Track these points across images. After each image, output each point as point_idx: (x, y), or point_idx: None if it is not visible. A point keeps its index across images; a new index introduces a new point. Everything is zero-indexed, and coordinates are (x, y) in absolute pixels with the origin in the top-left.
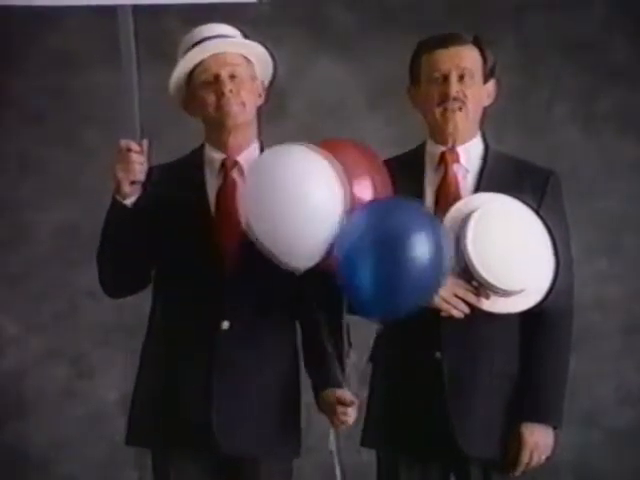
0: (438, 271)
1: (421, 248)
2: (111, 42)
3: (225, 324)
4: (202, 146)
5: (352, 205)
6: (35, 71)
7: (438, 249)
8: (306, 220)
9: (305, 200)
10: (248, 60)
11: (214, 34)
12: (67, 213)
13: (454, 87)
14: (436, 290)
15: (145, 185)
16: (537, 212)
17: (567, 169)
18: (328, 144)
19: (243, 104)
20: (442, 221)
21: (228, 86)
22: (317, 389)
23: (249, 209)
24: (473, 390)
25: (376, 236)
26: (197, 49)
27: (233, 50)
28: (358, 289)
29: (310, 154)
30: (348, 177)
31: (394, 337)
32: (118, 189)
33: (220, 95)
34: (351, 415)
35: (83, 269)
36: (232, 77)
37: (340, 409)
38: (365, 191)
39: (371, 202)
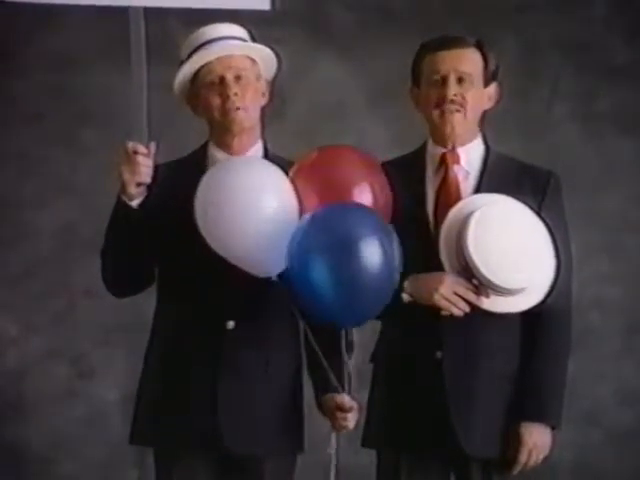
0: (389, 274)
1: (371, 250)
2: (112, 41)
3: (230, 324)
4: (205, 145)
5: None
6: (35, 71)
7: (387, 252)
8: (258, 230)
9: (256, 210)
10: (253, 60)
11: (220, 35)
12: (67, 213)
13: (452, 90)
14: (390, 292)
15: (151, 186)
16: (538, 213)
17: (567, 169)
18: (326, 150)
19: (247, 109)
20: (444, 221)
21: (233, 89)
22: (318, 393)
23: (203, 226)
24: (474, 390)
25: (324, 241)
26: (203, 51)
27: (239, 52)
28: (312, 301)
29: (261, 165)
30: (347, 183)
31: (395, 337)
32: (124, 190)
33: (225, 98)
34: (351, 420)
35: (83, 269)
36: (237, 79)
37: (340, 415)
38: (364, 197)
39: (317, 209)
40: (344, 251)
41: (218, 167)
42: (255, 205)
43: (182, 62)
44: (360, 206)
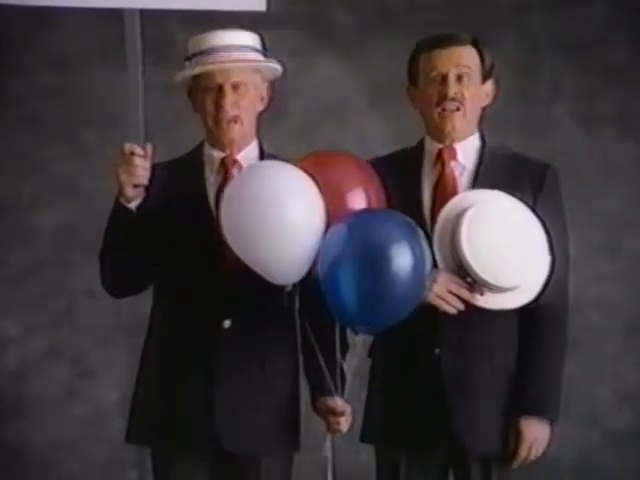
0: (419, 283)
1: (402, 261)
2: (111, 43)
3: (226, 323)
4: (202, 144)
5: (333, 220)
6: (35, 71)
7: (419, 261)
8: (285, 238)
9: (283, 218)
10: (256, 69)
11: (226, 44)
12: (67, 213)
13: (452, 88)
14: (417, 302)
15: (148, 188)
16: (533, 209)
17: (567, 169)
18: (322, 156)
19: (241, 120)
20: (438, 218)
21: (230, 99)
22: (313, 395)
23: (228, 228)
24: (472, 385)
25: (357, 250)
26: (205, 60)
27: (241, 66)
28: (340, 304)
29: (288, 170)
30: (342, 189)
31: (393, 333)
32: (121, 192)
33: (219, 108)
34: (343, 424)
35: (83, 269)
36: (235, 88)
37: (332, 419)
38: (359, 204)
39: (351, 215)
40: (373, 261)
41: (246, 172)
42: (281, 215)
43: (186, 59)
44: (392, 215)
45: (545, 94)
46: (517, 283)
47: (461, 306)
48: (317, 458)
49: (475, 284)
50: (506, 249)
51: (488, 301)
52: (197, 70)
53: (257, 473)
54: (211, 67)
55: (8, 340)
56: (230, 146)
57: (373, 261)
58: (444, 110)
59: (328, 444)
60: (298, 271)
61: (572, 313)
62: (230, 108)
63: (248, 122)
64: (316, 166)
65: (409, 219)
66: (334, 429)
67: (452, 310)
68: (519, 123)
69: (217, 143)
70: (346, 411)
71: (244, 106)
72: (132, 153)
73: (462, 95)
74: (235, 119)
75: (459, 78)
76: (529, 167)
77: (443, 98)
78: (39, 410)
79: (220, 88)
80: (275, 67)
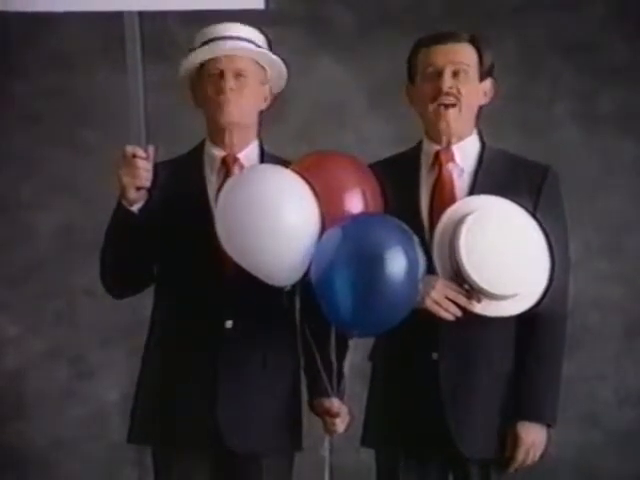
0: (413, 288)
1: (396, 266)
2: (111, 43)
3: (228, 323)
4: (202, 143)
5: (328, 222)
6: (35, 72)
7: (413, 267)
8: (280, 241)
9: (279, 220)
10: (261, 66)
11: (232, 34)
12: (67, 213)
13: (447, 82)
14: (411, 307)
15: (150, 190)
16: (533, 214)
17: (567, 169)
18: (319, 156)
19: (240, 105)
20: (437, 225)
21: (229, 83)
22: (310, 396)
23: (223, 231)
24: (470, 390)
25: (351, 254)
26: (211, 46)
27: (245, 54)
28: (334, 308)
29: (284, 173)
30: (337, 189)
31: (392, 337)
32: (124, 195)
33: (220, 91)
34: (339, 424)
35: (83, 269)
36: (238, 76)
37: (328, 420)
38: (355, 203)
39: (346, 219)
40: (367, 265)
41: (240, 176)
42: (276, 219)
43: (191, 50)
44: (387, 219)
45: (545, 94)
46: (515, 291)
47: (458, 313)
48: (317, 458)
49: (472, 291)
50: (505, 257)
51: (485, 308)
52: (204, 54)
53: (258, 472)
54: (219, 52)
55: (8, 340)
56: (230, 129)
57: (367, 265)
58: (439, 106)
59: (326, 444)
60: (295, 273)
61: (572, 313)
62: (230, 92)
63: (247, 112)
64: (312, 167)
65: (404, 224)
66: (330, 430)
67: (449, 317)
68: (519, 123)
69: (217, 136)
70: (342, 412)
71: (244, 95)
72: (134, 155)
73: (458, 91)
74: (235, 103)
75: (455, 74)
76: (529, 169)
77: (438, 93)
78: (39, 410)
79: (222, 74)
80: (280, 65)
